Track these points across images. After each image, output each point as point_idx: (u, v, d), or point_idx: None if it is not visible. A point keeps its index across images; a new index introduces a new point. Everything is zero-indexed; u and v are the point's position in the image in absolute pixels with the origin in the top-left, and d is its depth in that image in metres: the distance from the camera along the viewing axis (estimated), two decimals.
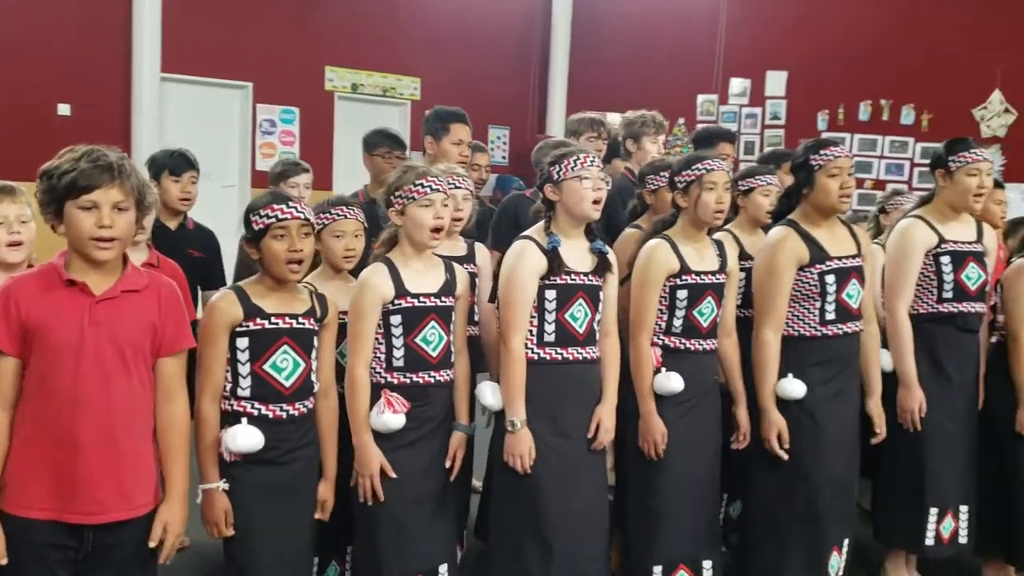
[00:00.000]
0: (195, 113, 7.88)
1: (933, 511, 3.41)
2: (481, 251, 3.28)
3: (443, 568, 2.74)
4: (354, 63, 8.59)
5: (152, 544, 2.14)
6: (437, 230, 2.64)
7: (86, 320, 2.04)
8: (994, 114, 9.42)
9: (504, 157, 9.74)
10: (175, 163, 3.63)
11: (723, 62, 9.64)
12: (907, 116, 9.56)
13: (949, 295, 3.34)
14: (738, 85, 9.82)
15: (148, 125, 7.39)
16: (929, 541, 3.43)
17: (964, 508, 3.48)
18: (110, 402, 2.07)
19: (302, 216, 2.40)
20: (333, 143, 8.57)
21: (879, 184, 9.11)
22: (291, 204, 2.42)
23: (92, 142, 2.10)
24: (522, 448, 2.69)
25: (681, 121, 9.24)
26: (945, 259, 3.33)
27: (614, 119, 9.68)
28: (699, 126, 9.23)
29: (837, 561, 3.25)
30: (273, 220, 2.37)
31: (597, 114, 4.71)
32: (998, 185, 3.90)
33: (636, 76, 9.63)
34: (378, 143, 4.14)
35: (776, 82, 9.77)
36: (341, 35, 8.51)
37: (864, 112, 9.65)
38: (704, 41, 9.63)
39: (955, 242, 3.34)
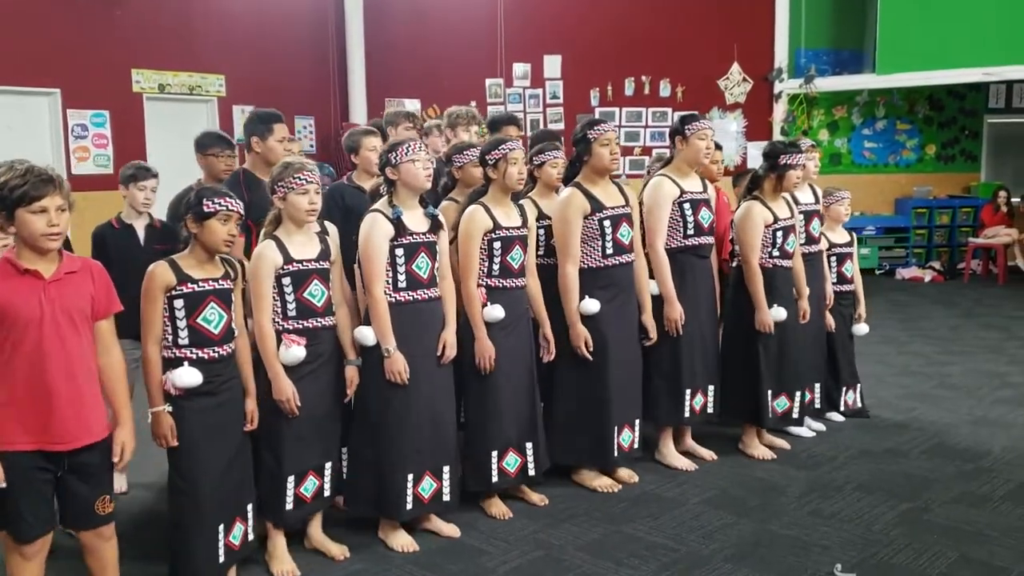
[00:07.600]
0: (4, 122, 7.71)
1: (687, 391, 4.34)
2: (332, 229, 3.82)
3: (328, 465, 3.43)
4: (159, 64, 8.60)
5: (116, 459, 2.70)
6: (311, 211, 3.29)
7: (43, 298, 2.52)
8: (735, 83, 10.89)
9: (312, 145, 9.86)
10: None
11: (505, 48, 10.27)
12: (665, 89, 10.67)
13: (692, 232, 4.27)
14: (520, 69, 10.51)
15: None
16: (685, 414, 4.36)
17: (711, 387, 4.45)
18: (68, 357, 2.55)
19: (240, 210, 3.02)
20: (145, 143, 8.57)
21: (646, 150, 10.10)
22: (236, 200, 3.00)
23: None
24: (399, 366, 3.40)
25: (473, 103, 9.62)
26: (687, 206, 4.24)
27: (412, 105, 10.41)
28: (489, 109, 10.04)
29: (629, 435, 4.12)
30: (224, 208, 2.95)
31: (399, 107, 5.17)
32: (717, 147, 4.81)
33: (429, 63, 10.10)
34: (210, 144, 4.45)
35: (552, 65, 10.53)
36: (145, 37, 8.49)
37: (629, 88, 10.64)
38: (487, 29, 10.20)
39: (691, 192, 4.27)
